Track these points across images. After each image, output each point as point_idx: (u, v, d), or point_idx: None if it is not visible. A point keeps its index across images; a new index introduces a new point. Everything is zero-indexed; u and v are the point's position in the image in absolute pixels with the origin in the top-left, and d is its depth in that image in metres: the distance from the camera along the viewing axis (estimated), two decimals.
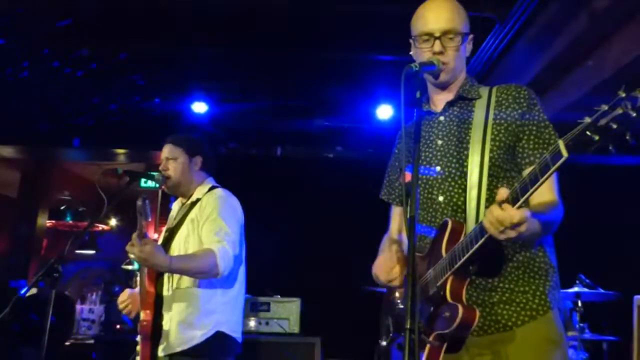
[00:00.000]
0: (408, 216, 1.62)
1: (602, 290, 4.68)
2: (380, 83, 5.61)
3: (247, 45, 5.18)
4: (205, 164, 3.22)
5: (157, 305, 2.94)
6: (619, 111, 1.31)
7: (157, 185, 3.26)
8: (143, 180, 6.44)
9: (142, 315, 2.94)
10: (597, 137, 1.36)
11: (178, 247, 3.02)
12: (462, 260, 1.74)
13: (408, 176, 1.89)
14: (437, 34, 1.95)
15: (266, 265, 5.57)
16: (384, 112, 6.00)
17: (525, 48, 4.76)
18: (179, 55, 5.51)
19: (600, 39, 4.01)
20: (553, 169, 1.48)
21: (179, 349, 2.86)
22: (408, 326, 1.49)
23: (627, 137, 1.33)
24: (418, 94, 1.75)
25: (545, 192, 1.82)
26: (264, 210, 6.12)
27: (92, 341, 6.56)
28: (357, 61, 5.46)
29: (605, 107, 1.34)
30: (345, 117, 6.30)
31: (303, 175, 6.38)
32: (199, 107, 6.06)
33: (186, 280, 2.92)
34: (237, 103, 6.16)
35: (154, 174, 3.18)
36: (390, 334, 2.09)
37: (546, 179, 1.50)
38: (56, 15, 4.73)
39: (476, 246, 1.70)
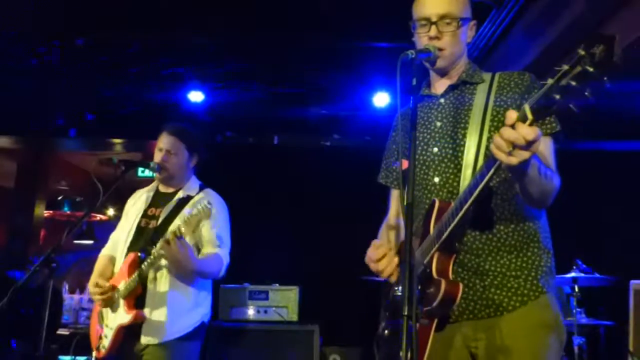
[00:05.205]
0: (406, 203, 1.61)
1: (598, 275, 4.70)
2: (377, 70, 5.60)
3: (243, 33, 5.16)
4: (198, 162, 3.33)
5: (142, 298, 3.02)
6: (578, 69, 1.32)
7: (154, 174, 3.27)
8: (140, 169, 6.46)
9: (124, 306, 3.01)
10: (558, 96, 1.36)
11: None
12: (450, 227, 1.72)
13: (405, 163, 1.89)
14: (434, 19, 1.94)
15: (264, 254, 5.59)
16: (381, 99, 5.98)
17: (522, 33, 4.74)
18: (175, 43, 5.48)
19: (596, 24, 3.99)
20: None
21: (174, 337, 3.02)
22: (406, 313, 1.48)
23: (587, 94, 1.32)
24: (414, 81, 1.74)
25: (546, 159, 1.79)
26: (262, 198, 6.13)
27: None
28: (354, 48, 5.43)
29: (566, 67, 1.35)
30: (342, 105, 6.29)
31: (300, 163, 6.38)
32: (196, 96, 6.03)
33: (183, 278, 3.04)
34: (234, 92, 6.13)
35: (150, 162, 3.18)
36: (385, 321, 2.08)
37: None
38: (51, 6, 4.70)
39: (468, 204, 1.66)
